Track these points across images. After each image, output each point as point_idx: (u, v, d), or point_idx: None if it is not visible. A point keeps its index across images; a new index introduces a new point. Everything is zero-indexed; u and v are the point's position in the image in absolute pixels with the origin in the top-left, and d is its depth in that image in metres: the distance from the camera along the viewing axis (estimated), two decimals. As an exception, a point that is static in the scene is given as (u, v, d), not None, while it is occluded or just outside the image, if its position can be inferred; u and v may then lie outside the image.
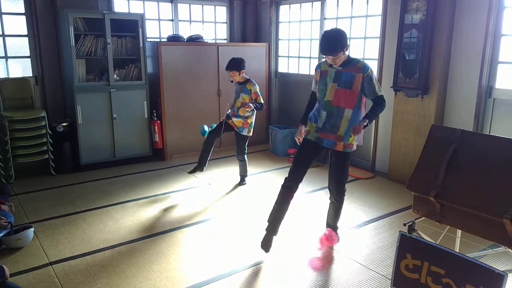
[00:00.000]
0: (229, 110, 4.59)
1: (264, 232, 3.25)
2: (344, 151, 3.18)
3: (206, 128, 4.68)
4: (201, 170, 4.76)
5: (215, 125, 4.71)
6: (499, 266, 2.92)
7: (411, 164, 4.48)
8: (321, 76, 3.22)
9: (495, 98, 4.14)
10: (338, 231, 3.45)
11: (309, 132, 3.28)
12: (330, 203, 3.42)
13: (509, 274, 1.95)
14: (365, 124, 3.00)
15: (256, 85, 4.51)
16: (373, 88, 3.07)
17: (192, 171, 4.75)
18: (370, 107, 3.11)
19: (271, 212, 3.28)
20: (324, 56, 3.07)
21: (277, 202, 3.27)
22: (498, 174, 2.19)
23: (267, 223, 3.27)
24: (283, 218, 3.26)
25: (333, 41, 2.98)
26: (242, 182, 4.87)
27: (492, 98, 4.16)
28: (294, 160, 3.31)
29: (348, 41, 3.04)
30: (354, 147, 3.25)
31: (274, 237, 3.25)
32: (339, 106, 3.11)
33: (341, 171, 3.27)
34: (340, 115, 3.12)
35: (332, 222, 3.44)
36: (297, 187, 3.26)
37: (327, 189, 3.41)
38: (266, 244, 3.22)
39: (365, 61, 5.22)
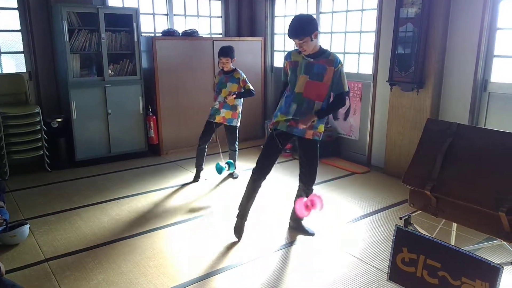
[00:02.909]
0: (216, 103, 4.54)
1: (235, 220, 3.43)
2: (313, 138, 3.23)
3: (221, 164, 4.60)
4: (199, 175, 4.82)
5: (231, 161, 4.69)
6: (495, 259, 2.94)
7: (407, 158, 4.49)
8: (291, 67, 3.18)
9: (490, 92, 4.15)
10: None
11: (278, 123, 3.25)
12: (298, 191, 3.45)
13: (505, 267, 1.95)
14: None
15: (242, 73, 4.53)
16: (341, 83, 3.09)
17: (195, 180, 4.80)
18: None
19: (242, 200, 3.41)
20: (294, 41, 3.04)
21: (246, 191, 3.39)
22: (493, 168, 2.20)
23: (237, 211, 3.43)
24: (252, 205, 3.42)
25: (299, 24, 2.96)
26: (233, 174, 4.88)
27: (487, 91, 4.17)
28: (262, 152, 3.33)
29: (317, 28, 3.02)
30: (320, 137, 3.29)
31: (246, 223, 3.44)
32: (310, 98, 3.12)
33: (312, 159, 3.29)
34: (310, 107, 3.13)
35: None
36: (264, 178, 3.36)
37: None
38: (239, 230, 3.41)
39: (360, 55, 5.30)
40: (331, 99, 3.19)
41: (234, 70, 4.51)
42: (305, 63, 3.10)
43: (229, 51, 4.40)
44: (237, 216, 3.43)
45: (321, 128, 3.24)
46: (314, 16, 3.35)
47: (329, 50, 3.14)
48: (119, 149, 5.47)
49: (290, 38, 3.01)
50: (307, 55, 3.08)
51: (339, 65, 3.06)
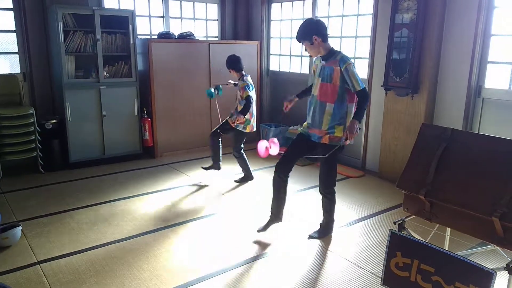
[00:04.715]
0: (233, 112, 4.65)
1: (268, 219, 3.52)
2: (330, 143, 3.21)
3: (212, 90, 4.72)
4: (218, 168, 4.83)
5: (220, 86, 4.80)
6: (488, 264, 2.94)
7: (401, 162, 4.50)
8: (315, 70, 3.34)
9: (484, 98, 4.18)
10: (332, 227, 3.57)
11: (303, 126, 3.41)
12: (322, 202, 3.49)
13: (498, 272, 1.96)
14: (356, 126, 3.04)
15: (246, 79, 4.54)
16: (351, 81, 3.07)
17: (208, 168, 4.85)
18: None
19: (272, 203, 3.47)
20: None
21: (274, 195, 3.44)
22: (487, 173, 2.20)
23: (270, 213, 3.49)
24: (284, 204, 3.46)
25: (301, 29, 3.13)
26: (246, 179, 4.85)
27: (481, 97, 4.19)
28: (286, 151, 3.41)
29: (317, 32, 3.08)
30: (342, 141, 3.18)
31: (276, 224, 3.51)
32: (322, 100, 3.19)
33: (327, 166, 3.31)
34: (322, 110, 3.18)
35: (325, 217, 3.52)
36: (286, 177, 3.38)
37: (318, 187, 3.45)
38: (264, 227, 3.48)
39: (356, 60, 5.32)
40: (350, 99, 3.19)
41: (241, 77, 4.58)
42: (320, 66, 3.24)
43: (227, 63, 4.57)
44: (270, 217, 3.51)
45: (339, 131, 3.18)
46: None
47: (339, 51, 3.18)
48: (113, 151, 5.45)
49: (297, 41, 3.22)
50: (322, 58, 3.21)
51: (346, 65, 3.06)
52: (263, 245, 3.36)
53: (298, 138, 3.39)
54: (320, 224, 3.55)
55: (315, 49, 3.15)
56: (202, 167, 4.93)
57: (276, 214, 3.48)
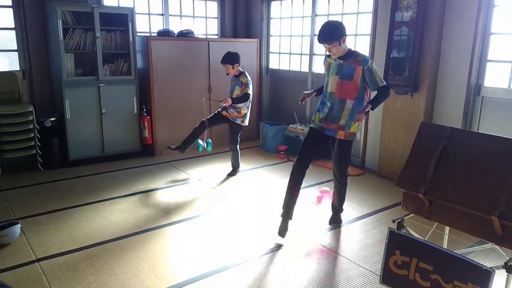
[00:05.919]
0: (222, 104, 4.69)
1: (280, 219, 3.44)
2: (345, 139, 3.38)
3: (200, 142, 4.89)
4: (183, 151, 4.91)
5: (210, 141, 5.00)
6: (486, 263, 2.95)
7: (401, 161, 4.50)
8: (326, 69, 3.46)
9: (483, 96, 4.17)
10: (342, 214, 3.77)
11: (313, 121, 3.50)
12: (334, 186, 3.65)
13: (496, 271, 1.96)
14: (367, 109, 3.18)
15: (248, 77, 4.66)
16: (374, 79, 3.24)
17: (175, 149, 4.92)
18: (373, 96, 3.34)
19: (284, 198, 3.46)
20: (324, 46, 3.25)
21: (288, 187, 3.46)
22: (486, 172, 2.21)
23: (281, 209, 3.46)
24: (295, 203, 3.44)
25: (329, 30, 3.19)
26: (233, 172, 4.99)
27: (480, 96, 4.19)
28: (301, 147, 3.50)
29: (345, 34, 3.20)
30: (357, 137, 3.45)
31: (290, 222, 3.45)
32: (341, 97, 3.31)
33: (342, 158, 3.51)
34: (342, 106, 3.31)
35: (337, 204, 3.69)
36: (303, 173, 3.44)
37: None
38: (283, 231, 3.40)
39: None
40: (368, 97, 3.35)
41: (241, 73, 4.67)
42: (336, 65, 3.33)
43: (226, 58, 4.63)
44: (281, 215, 3.45)
45: (354, 128, 3.34)
46: (341, 21, 3.54)
47: (357, 51, 3.30)
48: (112, 149, 5.44)
49: (320, 43, 3.24)
50: (338, 57, 3.28)
51: (368, 64, 3.22)
52: (262, 243, 3.36)
53: (312, 133, 3.48)
54: (336, 211, 3.73)
55: (341, 49, 3.23)
56: (168, 147, 5.00)
57: (288, 212, 3.43)
